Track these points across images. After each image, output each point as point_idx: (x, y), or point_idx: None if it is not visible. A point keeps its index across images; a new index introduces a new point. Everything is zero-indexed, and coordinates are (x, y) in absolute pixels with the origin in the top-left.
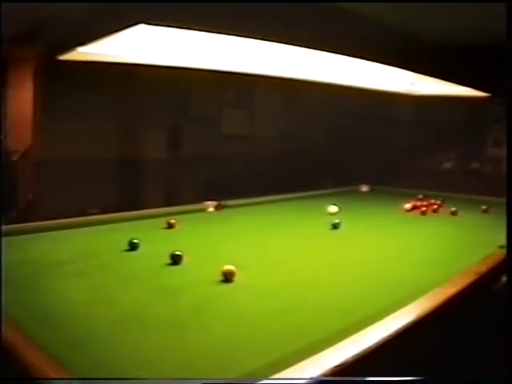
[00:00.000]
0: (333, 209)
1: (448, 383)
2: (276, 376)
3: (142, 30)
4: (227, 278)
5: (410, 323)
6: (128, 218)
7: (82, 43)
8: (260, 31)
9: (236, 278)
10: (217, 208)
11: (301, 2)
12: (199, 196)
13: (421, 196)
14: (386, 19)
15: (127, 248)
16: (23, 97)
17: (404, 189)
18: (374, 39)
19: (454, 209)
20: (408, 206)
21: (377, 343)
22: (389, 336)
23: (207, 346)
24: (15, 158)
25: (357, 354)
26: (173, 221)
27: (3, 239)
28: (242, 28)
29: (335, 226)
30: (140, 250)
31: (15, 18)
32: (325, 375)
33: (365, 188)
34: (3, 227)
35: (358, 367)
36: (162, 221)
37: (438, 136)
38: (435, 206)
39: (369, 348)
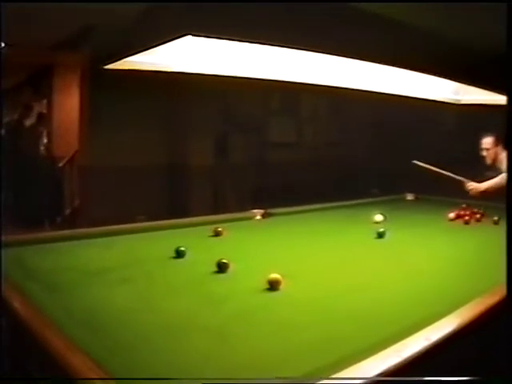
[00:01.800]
0: (378, 218)
1: None
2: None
3: (189, 39)
4: (273, 286)
5: (450, 333)
6: (175, 225)
7: (130, 53)
8: (308, 44)
9: (281, 287)
10: (263, 216)
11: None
12: (245, 204)
13: (464, 205)
14: (428, 29)
15: (174, 255)
16: (69, 103)
17: (448, 198)
18: (417, 49)
19: (496, 218)
20: (452, 215)
21: (417, 353)
22: (429, 346)
23: (250, 354)
24: (61, 164)
25: (398, 364)
26: (220, 229)
27: (48, 245)
28: (290, 40)
29: (380, 235)
30: (186, 257)
31: (62, 25)
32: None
33: (410, 196)
34: (49, 233)
35: (400, 376)
36: (209, 229)
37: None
38: (478, 216)
39: (410, 357)
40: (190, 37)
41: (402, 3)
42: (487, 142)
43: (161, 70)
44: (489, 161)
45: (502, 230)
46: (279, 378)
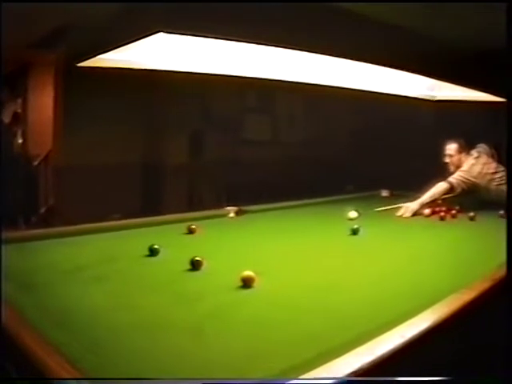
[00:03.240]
0: (352, 214)
1: None
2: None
3: (162, 37)
4: (246, 284)
5: (425, 330)
6: (148, 223)
7: (103, 51)
8: (281, 40)
9: (255, 284)
10: (237, 213)
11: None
12: (220, 202)
13: (440, 201)
14: (404, 24)
15: (147, 254)
16: (43, 102)
17: (423, 194)
18: (391, 45)
19: (472, 214)
20: (427, 211)
21: (392, 350)
22: (405, 343)
23: (224, 352)
24: (36, 163)
25: (372, 361)
26: (193, 226)
27: (22, 244)
28: (264, 36)
29: (355, 232)
30: (160, 255)
31: (36, 24)
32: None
33: (385, 193)
34: (23, 232)
35: (372, 374)
36: (183, 226)
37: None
38: (454, 212)
39: (384, 355)
40: (162, 34)
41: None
42: (451, 148)
43: (133, 67)
44: (452, 168)
45: (477, 226)
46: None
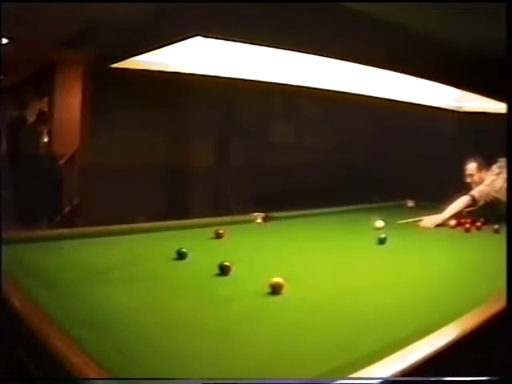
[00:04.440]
0: (379, 224)
1: None
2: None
3: (195, 41)
4: (275, 290)
5: (455, 339)
6: (175, 226)
7: (137, 52)
8: (308, 46)
9: (284, 291)
10: (264, 220)
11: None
12: (246, 207)
13: (465, 213)
14: (427, 32)
15: (175, 257)
16: (70, 101)
17: (449, 205)
18: (421, 55)
19: (496, 226)
20: (453, 222)
21: (422, 359)
22: (434, 352)
23: (253, 357)
24: (62, 162)
25: (402, 370)
26: (221, 231)
27: (47, 243)
28: (290, 42)
29: (382, 241)
30: (188, 259)
31: (65, 23)
32: None
33: (411, 203)
34: (49, 231)
35: (403, 383)
36: (210, 231)
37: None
38: (479, 224)
39: (414, 364)
40: (199, 37)
41: (409, 9)
42: (471, 167)
43: (167, 70)
44: (474, 186)
45: (502, 238)
46: (279, 378)
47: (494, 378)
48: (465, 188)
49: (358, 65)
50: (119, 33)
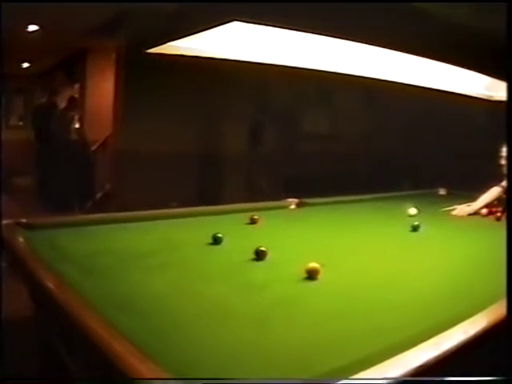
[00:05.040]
0: (412, 211)
1: None
2: (357, 376)
3: (232, 26)
4: (311, 275)
5: (487, 327)
6: (209, 212)
7: (173, 38)
8: (344, 32)
9: (320, 276)
10: (298, 205)
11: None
12: (279, 193)
13: (496, 202)
14: (467, 22)
15: (210, 242)
16: (102, 87)
17: (481, 193)
18: (451, 41)
19: None
20: (484, 210)
21: (456, 346)
22: (467, 339)
23: (289, 343)
24: (93, 148)
25: (437, 356)
26: (256, 216)
27: (81, 228)
28: (331, 28)
29: (415, 229)
30: (223, 244)
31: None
32: (406, 376)
33: (442, 191)
34: (83, 216)
35: (437, 370)
36: (244, 216)
37: None
38: None
39: (448, 350)
40: (235, 22)
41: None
42: (505, 150)
43: (203, 55)
44: (506, 171)
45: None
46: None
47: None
48: (496, 176)
49: (391, 52)
50: (154, 19)
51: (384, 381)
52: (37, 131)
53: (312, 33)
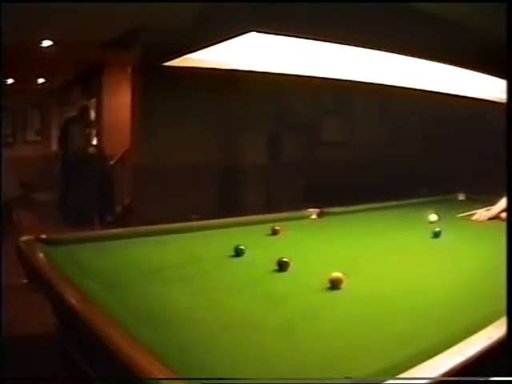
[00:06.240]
0: (433, 217)
1: None
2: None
3: (250, 37)
4: (335, 285)
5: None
6: (229, 224)
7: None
8: (358, 40)
9: (343, 286)
10: (319, 215)
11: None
12: (299, 203)
13: None
14: (479, 26)
15: (232, 254)
16: (119, 101)
17: (500, 198)
18: (466, 46)
19: None
20: (504, 215)
21: (481, 351)
22: (492, 344)
23: (316, 353)
24: (112, 163)
25: (462, 363)
26: (277, 227)
27: (101, 243)
28: (346, 37)
29: (436, 235)
30: (245, 256)
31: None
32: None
33: (461, 197)
34: (103, 231)
35: (463, 375)
36: (266, 227)
37: None
38: None
39: (474, 356)
40: (253, 33)
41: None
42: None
43: (220, 67)
44: None
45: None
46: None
47: None
48: None
49: (406, 58)
50: (170, 31)
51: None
52: (57, 146)
53: (328, 41)
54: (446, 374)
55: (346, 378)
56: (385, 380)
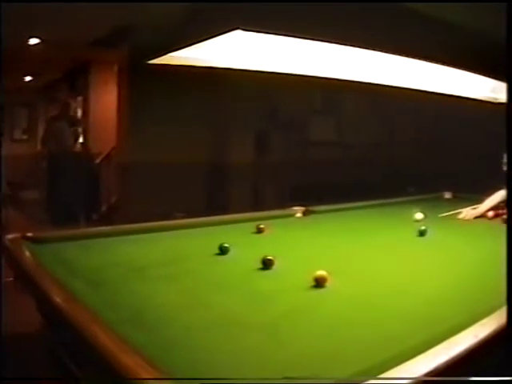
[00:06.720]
0: (419, 216)
1: None
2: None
3: (235, 34)
4: (319, 283)
5: (498, 330)
6: (215, 222)
7: (176, 48)
8: (347, 39)
9: (328, 284)
10: (304, 214)
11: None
12: (285, 201)
13: (502, 204)
14: (469, 25)
15: (217, 252)
16: (106, 100)
17: (487, 196)
18: (456, 45)
19: None
20: (491, 213)
21: (466, 350)
22: (478, 343)
23: (300, 352)
24: (98, 161)
25: (447, 361)
26: (262, 226)
27: (87, 241)
28: (335, 35)
29: (422, 233)
30: (230, 254)
31: (98, 22)
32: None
33: (448, 195)
34: (89, 229)
35: (447, 375)
36: (251, 225)
37: None
38: None
39: (458, 355)
40: (238, 31)
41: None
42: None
43: (206, 65)
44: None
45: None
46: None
47: None
48: (502, 178)
49: (395, 57)
50: (156, 29)
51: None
52: (40, 144)
53: (317, 40)
54: (430, 374)
55: (329, 378)
56: (366, 380)
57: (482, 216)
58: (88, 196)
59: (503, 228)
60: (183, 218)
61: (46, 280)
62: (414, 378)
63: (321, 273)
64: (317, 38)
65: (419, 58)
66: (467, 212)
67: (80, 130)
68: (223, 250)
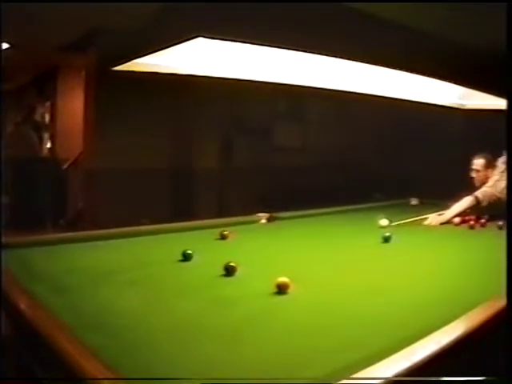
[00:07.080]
0: (384, 222)
1: None
2: None
3: (201, 41)
4: (281, 290)
5: (460, 337)
6: (180, 228)
7: (140, 54)
8: (311, 46)
9: (290, 291)
10: (269, 220)
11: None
12: (250, 208)
13: (469, 210)
14: (434, 31)
15: (180, 258)
16: (74, 105)
17: (453, 203)
18: (423, 52)
19: (501, 223)
20: (457, 219)
21: (428, 356)
22: (440, 349)
23: (260, 359)
24: (65, 166)
25: (408, 368)
26: (226, 232)
27: (53, 247)
28: (297, 42)
29: (386, 240)
30: (193, 260)
31: (66, 26)
32: None
33: (414, 201)
34: (53, 235)
35: (409, 381)
36: (215, 232)
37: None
38: (483, 221)
39: (421, 361)
40: (200, 39)
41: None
42: (478, 163)
43: (170, 72)
44: (477, 183)
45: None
46: (280, 378)
47: (490, 378)
48: (468, 185)
49: (361, 64)
50: (121, 35)
51: None
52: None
53: (280, 47)
54: (391, 380)
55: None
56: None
57: (448, 222)
58: (55, 201)
59: (470, 234)
60: (149, 223)
61: (10, 285)
62: (380, 379)
63: (283, 279)
64: (280, 45)
65: (387, 66)
66: (433, 218)
67: (47, 134)
68: (186, 257)
